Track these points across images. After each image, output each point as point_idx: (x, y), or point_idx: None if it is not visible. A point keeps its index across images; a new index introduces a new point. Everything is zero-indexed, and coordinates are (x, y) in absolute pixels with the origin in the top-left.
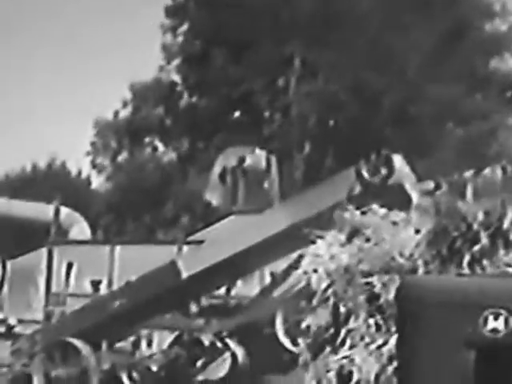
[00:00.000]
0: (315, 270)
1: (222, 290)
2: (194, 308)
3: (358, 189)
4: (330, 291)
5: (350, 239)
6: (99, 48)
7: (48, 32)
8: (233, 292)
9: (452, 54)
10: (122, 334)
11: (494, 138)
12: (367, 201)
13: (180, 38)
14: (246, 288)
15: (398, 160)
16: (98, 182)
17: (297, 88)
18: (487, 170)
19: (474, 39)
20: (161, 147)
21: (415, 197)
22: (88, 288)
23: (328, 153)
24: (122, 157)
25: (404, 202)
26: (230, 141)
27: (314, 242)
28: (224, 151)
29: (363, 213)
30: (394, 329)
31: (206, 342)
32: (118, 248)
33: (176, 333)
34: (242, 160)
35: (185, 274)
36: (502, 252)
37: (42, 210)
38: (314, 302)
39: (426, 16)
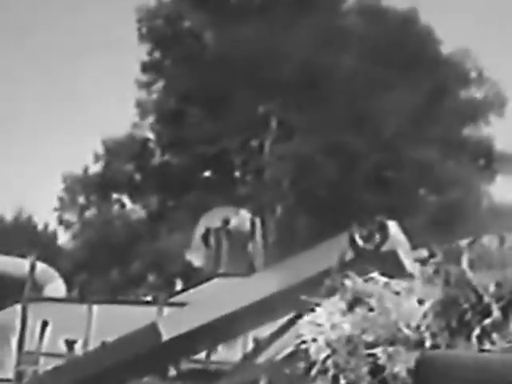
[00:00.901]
0: (314, 339)
1: (203, 355)
2: (172, 372)
3: (350, 255)
4: (329, 362)
5: (351, 308)
6: (72, 102)
7: (18, 86)
8: (214, 357)
9: (429, 119)
10: None
11: (467, 206)
12: (359, 267)
13: (155, 95)
14: (228, 353)
15: (392, 226)
16: (64, 238)
17: (272, 149)
18: (484, 239)
19: (450, 105)
20: (130, 204)
21: (409, 265)
22: (62, 347)
23: (302, 216)
24: (89, 213)
25: (397, 270)
26: (200, 200)
27: (312, 310)
28: (208, 211)
29: (365, 281)
30: None
31: None
32: (95, 307)
33: None
34: (226, 221)
35: (165, 337)
36: None
37: (16, 265)
38: (313, 372)
39: (406, 80)
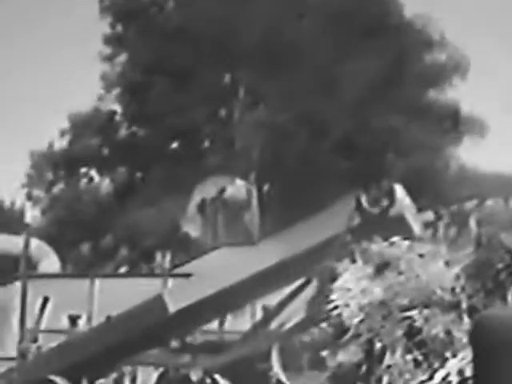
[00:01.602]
0: (347, 305)
1: (214, 325)
2: (180, 344)
3: (357, 220)
4: (362, 326)
5: (379, 272)
6: (34, 75)
7: None
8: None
9: (394, 83)
10: (104, 371)
11: (435, 169)
12: (367, 232)
13: (119, 67)
14: (237, 323)
15: (399, 190)
16: (33, 214)
17: (241, 118)
18: (489, 202)
19: (415, 70)
20: (98, 178)
21: (417, 228)
22: (65, 323)
23: (274, 184)
24: (57, 188)
25: (405, 233)
26: (169, 172)
27: (333, 278)
28: (203, 181)
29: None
30: (437, 364)
31: (194, 379)
32: (97, 282)
33: (161, 369)
34: (222, 191)
35: (172, 309)
36: None
37: (10, 242)
38: (346, 337)
39: (370, 45)
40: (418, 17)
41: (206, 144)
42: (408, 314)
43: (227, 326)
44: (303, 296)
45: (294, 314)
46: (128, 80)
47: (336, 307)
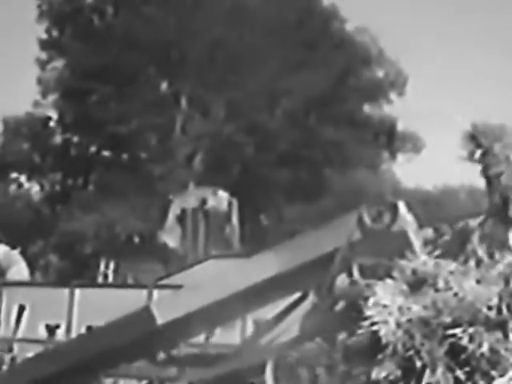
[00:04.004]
0: (385, 322)
1: (200, 338)
2: (166, 356)
3: (357, 235)
4: (400, 344)
5: (414, 289)
6: None
7: None
8: (212, 340)
9: (336, 97)
10: (84, 383)
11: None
12: (367, 248)
13: (56, 73)
14: (226, 336)
15: (402, 207)
16: None
17: (183, 128)
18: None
19: (354, 84)
20: (29, 184)
21: (418, 245)
22: (43, 333)
23: None
24: None
25: (406, 250)
26: (107, 180)
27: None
28: (183, 192)
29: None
30: (482, 383)
31: None
32: (77, 291)
33: (145, 382)
34: (203, 202)
35: (160, 321)
36: None
37: None
38: (384, 354)
39: (313, 59)
40: (358, 31)
41: (147, 152)
42: (453, 331)
43: (216, 339)
44: (298, 311)
45: (289, 328)
46: (65, 85)
47: (373, 324)
